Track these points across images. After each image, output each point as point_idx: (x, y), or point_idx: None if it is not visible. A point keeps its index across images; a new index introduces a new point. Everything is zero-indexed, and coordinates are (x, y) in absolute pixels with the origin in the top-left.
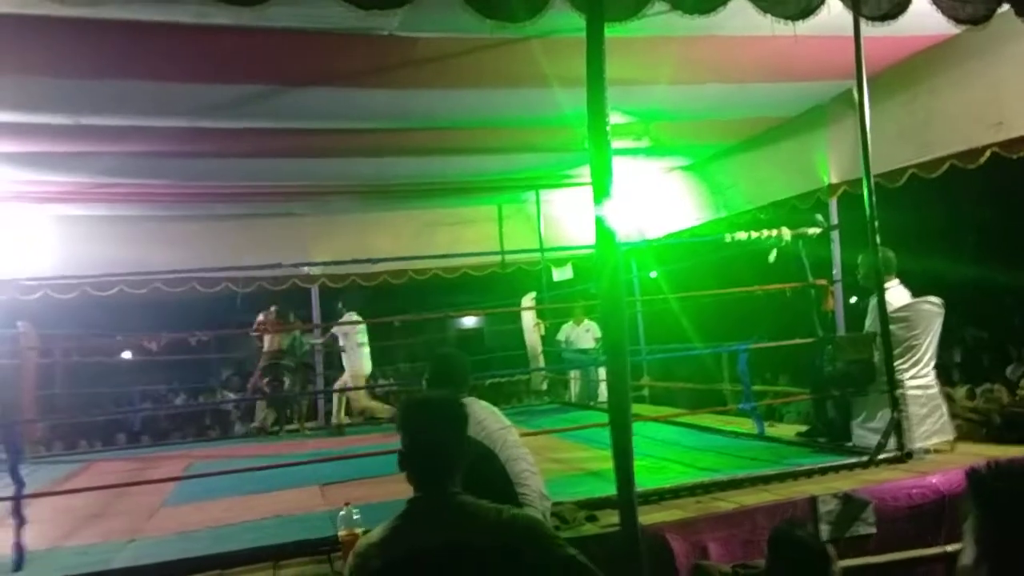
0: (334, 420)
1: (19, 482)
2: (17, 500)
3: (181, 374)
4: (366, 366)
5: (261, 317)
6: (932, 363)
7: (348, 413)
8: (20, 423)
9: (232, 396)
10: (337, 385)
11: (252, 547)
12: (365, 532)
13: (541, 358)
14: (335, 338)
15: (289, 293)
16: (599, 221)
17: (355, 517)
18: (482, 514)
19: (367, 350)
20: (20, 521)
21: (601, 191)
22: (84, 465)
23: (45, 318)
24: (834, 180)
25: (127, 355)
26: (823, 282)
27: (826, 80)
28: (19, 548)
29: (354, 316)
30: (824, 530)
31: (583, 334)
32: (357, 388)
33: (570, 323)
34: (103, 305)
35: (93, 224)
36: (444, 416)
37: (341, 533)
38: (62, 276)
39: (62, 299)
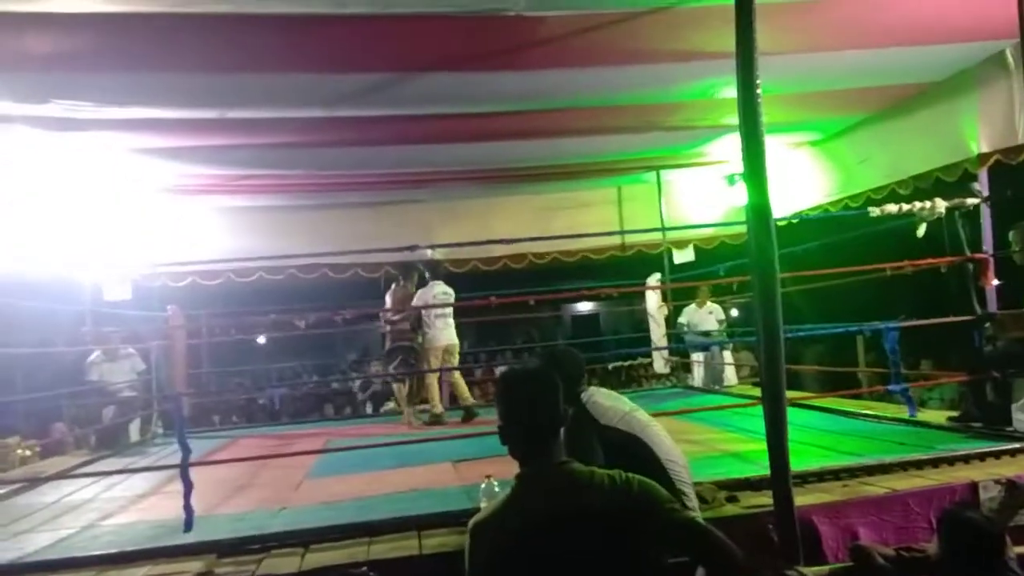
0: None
1: (186, 450)
2: (185, 467)
3: (313, 357)
4: (442, 337)
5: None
6: None
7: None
8: (181, 396)
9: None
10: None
11: (397, 516)
12: None
13: (665, 341)
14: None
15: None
16: (753, 197)
17: (496, 489)
18: (594, 481)
19: (450, 321)
20: (189, 486)
21: (754, 167)
22: (229, 440)
23: (194, 304)
24: (984, 149)
25: (262, 339)
26: (984, 255)
27: (976, 41)
28: (189, 511)
29: (442, 286)
30: None
31: (706, 316)
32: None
33: (693, 305)
34: (245, 292)
35: (237, 214)
36: (537, 386)
37: (483, 505)
38: (205, 261)
39: (208, 285)
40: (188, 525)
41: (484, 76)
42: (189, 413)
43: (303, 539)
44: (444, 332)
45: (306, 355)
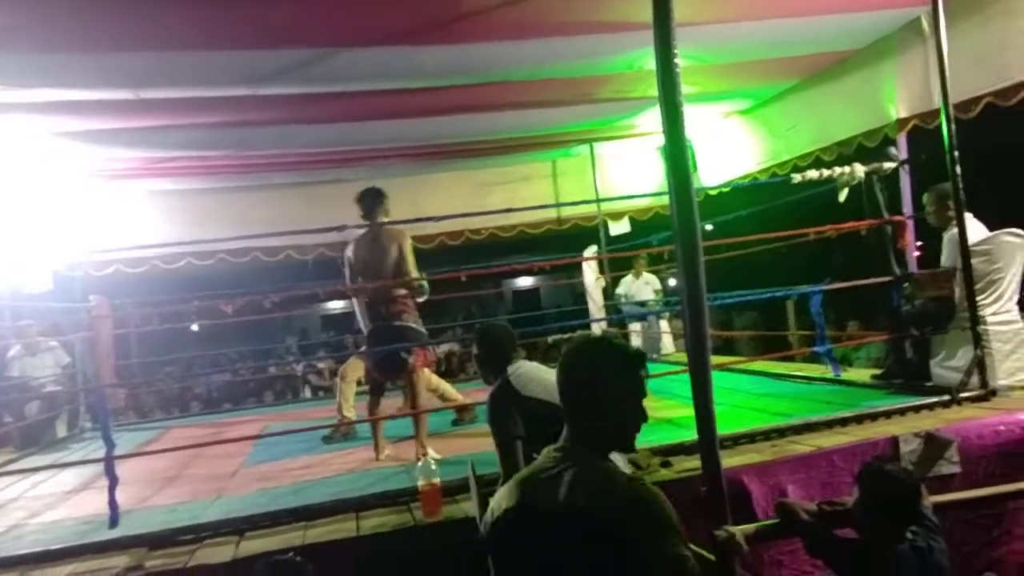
0: None
1: (110, 443)
2: (110, 461)
3: (250, 343)
4: None
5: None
6: (1015, 298)
7: None
8: (104, 388)
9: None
10: None
11: (334, 499)
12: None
13: (603, 312)
14: None
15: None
16: (673, 166)
17: (433, 467)
18: (604, 479)
19: None
20: (113, 480)
21: (674, 137)
22: (162, 431)
23: (118, 293)
24: (903, 114)
25: (195, 327)
26: (901, 218)
27: (892, 8)
28: (114, 506)
29: None
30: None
31: (643, 287)
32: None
33: (629, 276)
34: (173, 279)
35: (162, 199)
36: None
37: (420, 483)
38: (129, 248)
39: (132, 273)
40: (113, 521)
41: (411, 50)
42: (123, 405)
43: (237, 527)
44: None
45: (242, 341)
